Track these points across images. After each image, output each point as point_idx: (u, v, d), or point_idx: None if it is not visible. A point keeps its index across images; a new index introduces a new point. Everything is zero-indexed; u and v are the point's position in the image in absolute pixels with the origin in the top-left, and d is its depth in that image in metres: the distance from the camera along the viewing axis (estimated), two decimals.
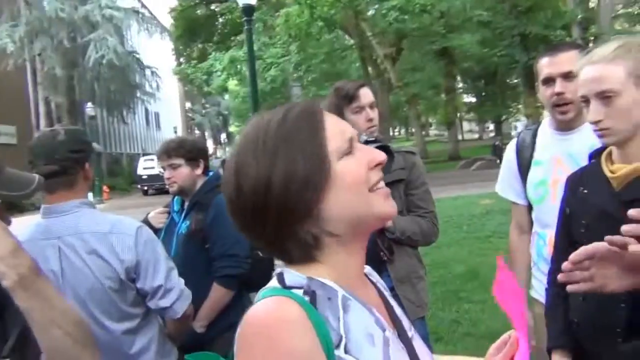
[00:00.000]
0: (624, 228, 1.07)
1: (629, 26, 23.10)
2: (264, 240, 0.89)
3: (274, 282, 0.87)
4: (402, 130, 75.96)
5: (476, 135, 57.65)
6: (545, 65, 2.11)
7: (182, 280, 2.06)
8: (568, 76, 2.04)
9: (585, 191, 1.61)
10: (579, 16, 20.81)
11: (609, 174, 1.52)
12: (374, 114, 2.43)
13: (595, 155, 1.66)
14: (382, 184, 0.91)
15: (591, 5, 22.67)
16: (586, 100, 1.51)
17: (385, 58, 26.22)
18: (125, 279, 1.91)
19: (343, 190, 0.86)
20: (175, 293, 2.00)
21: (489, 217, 9.91)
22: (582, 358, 1.57)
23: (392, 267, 2.38)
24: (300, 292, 0.84)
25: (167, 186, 2.73)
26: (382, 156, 0.91)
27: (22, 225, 1.88)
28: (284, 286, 0.85)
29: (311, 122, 0.88)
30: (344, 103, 2.42)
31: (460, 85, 44.43)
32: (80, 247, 1.87)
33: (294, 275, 0.87)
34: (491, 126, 51.29)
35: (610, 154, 1.58)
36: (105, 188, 24.74)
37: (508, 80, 39.91)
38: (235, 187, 0.87)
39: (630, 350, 1.38)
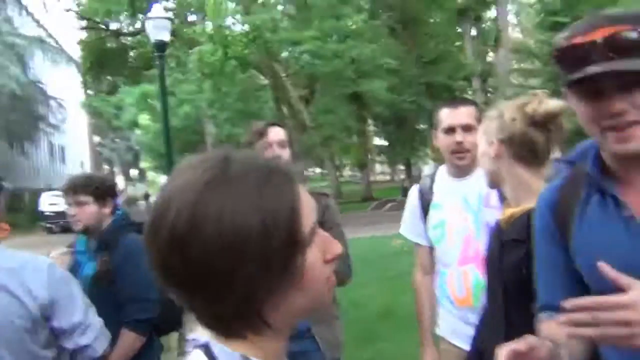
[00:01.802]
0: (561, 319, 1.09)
1: (524, 80, 25.04)
2: (208, 313, 0.76)
3: (200, 358, 0.75)
4: (317, 170, 77.07)
5: (388, 177, 59.53)
6: (447, 116, 2.28)
7: (100, 319, 1.96)
8: (467, 128, 2.23)
9: (492, 233, 1.79)
10: (479, 69, 22.33)
11: (499, 217, 1.72)
12: (282, 152, 2.44)
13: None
14: (332, 277, 0.81)
15: (489, 59, 24.42)
16: None
17: (299, 99, 26.71)
18: (39, 318, 1.77)
19: (302, 289, 0.75)
20: (95, 329, 1.90)
21: (402, 256, 10.10)
22: None
23: None
24: None
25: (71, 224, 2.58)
26: (339, 248, 0.81)
27: None
28: None
29: (292, 201, 0.74)
30: (254, 139, 2.46)
31: (372, 128, 45.94)
32: None
33: (225, 352, 0.75)
34: (402, 168, 53.19)
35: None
36: (3, 225, 22.95)
37: (416, 126, 41.83)
38: (187, 236, 0.70)
39: None
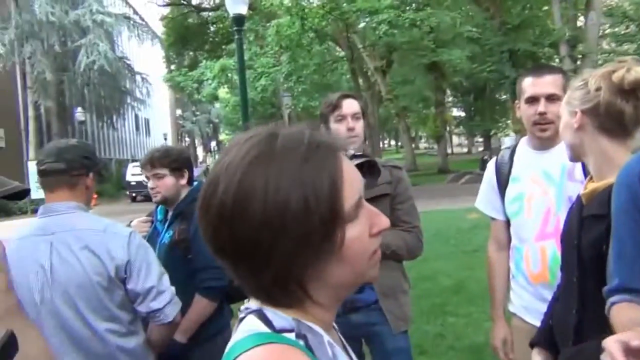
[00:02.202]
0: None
1: (616, 45, 23.45)
2: (253, 282, 0.78)
3: (255, 324, 0.77)
4: (392, 143, 76.32)
5: (465, 149, 58.04)
6: (530, 85, 2.16)
7: (173, 287, 2.06)
8: (551, 98, 2.11)
9: (573, 206, 1.71)
10: (567, 34, 21.06)
11: (581, 192, 1.62)
12: (356, 124, 2.43)
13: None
14: (378, 251, 0.82)
15: (579, 24, 22.98)
16: None
17: (376, 70, 26.40)
18: (114, 277, 1.92)
19: (344, 263, 0.77)
20: (167, 296, 2.01)
21: (476, 231, 9.93)
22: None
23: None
24: (292, 336, 0.76)
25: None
26: (386, 223, 0.82)
27: (20, 225, 2.00)
28: (275, 330, 0.76)
29: (334, 175, 0.75)
30: (328, 111, 2.45)
31: (450, 99, 44.76)
32: (74, 242, 1.90)
33: (279, 316, 0.78)
34: (480, 140, 51.64)
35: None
36: (93, 195, 24.54)
37: (497, 96, 40.28)
38: (235, 209, 0.73)
39: (565, 353, 1.49)
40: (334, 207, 0.74)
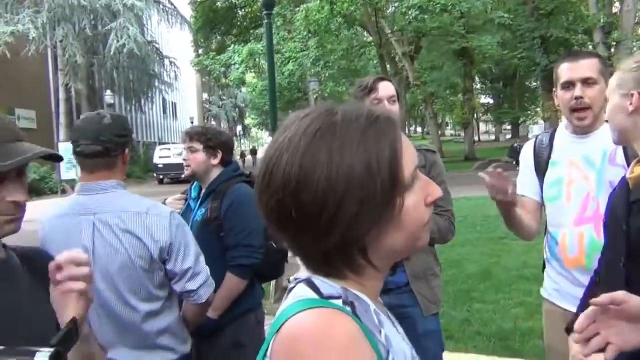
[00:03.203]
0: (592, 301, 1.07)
1: None
2: (315, 249, 0.80)
3: (305, 291, 0.81)
4: (418, 130, 75.73)
5: (492, 137, 57.28)
6: (566, 70, 2.13)
7: (208, 268, 2.09)
8: (588, 82, 2.08)
9: (616, 191, 1.68)
10: (602, 21, 20.54)
11: (628, 175, 1.58)
12: (393, 107, 2.41)
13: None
14: (430, 219, 0.85)
15: (614, 10, 22.38)
16: None
17: (404, 56, 26.14)
18: (157, 259, 1.95)
19: (401, 229, 0.80)
20: (202, 277, 2.05)
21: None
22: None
23: (408, 263, 2.38)
24: (339, 302, 0.79)
25: (184, 175, 2.77)
26: (439, 192, 0.85)
27: (56, 203, 1.99)
28: (322, 297, 0.79)
29: (393, 144, 0.80)
30: (363, 94, 2.42)
31: (479, 86, 44.14)
32: (116, 224, 1.92)
33: (327, 284, 0.81)
34: (508, 128, 50.92)
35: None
36: None
37: (527, 83, 39.57)
38: (300, 177, 0.77)
39: None
40: (395, 173, 0.78)
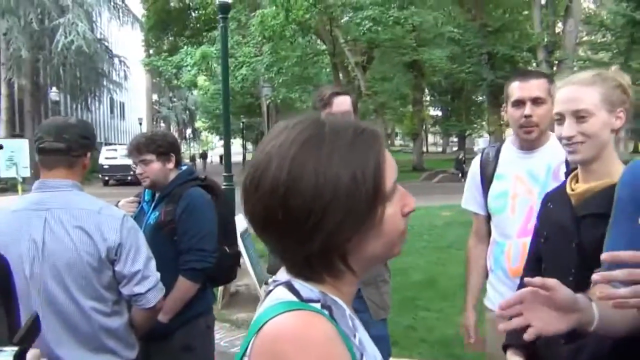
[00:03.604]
0: (594, 277, 1.09)
1: (592, 53, 23.92)
2: (298, 254, 0.84)
3: (285, 294, 0.84)
4: None
5: (440, 149, 58.59)
6: (517, 89, 2.24)
7: (158, 273, 2.08)
8: (537, 101, 2.20)
9: (551, 206, 1.74)
10: (545, 40, 21.43)
11: (570, 192, 1.64)
12: None
13: (567, 175, 1.79)
14: (406, 229, 0.90)
15: (557, 30, 23.38)
16: (561, 117, 1.61)
17: (356, 66, 26.45)
18: (104, 258, 1.94)
19: (380, 237, 0.85)
20: (151, 281, 2.03)
21: (449, 228, 10.12)
22: (535, 358, 1.67)
23: None
24: (318, 306, 0.82)
25: (129, 177, 2.74)
26: (414, 203, 0.90)
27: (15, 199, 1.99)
28: (302, 300, 0.82)
29: (378, 156, 0.84)
30: (320, 106, 2.48)
31: (428, 98, 45.11)
32: (67, 220, 1.92)
33: (307, 288, 0.85)
34: (455, 140, 52.20)
35: (576, 174, 1.69)
36: None
37: (474, 97, 40.72)
38: (288, 183, 0.80)
39: (565, 354, 1.46)
40: (378, 184, 0.83)
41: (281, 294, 0.84)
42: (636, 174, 1.31)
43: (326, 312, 0.81)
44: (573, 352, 1.40)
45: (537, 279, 1.14)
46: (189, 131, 66.77)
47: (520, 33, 28.46)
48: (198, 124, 64.25)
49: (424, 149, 41.50)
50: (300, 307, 0.80)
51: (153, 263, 2.07)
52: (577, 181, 1.66)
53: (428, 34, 25.30)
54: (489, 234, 2.46)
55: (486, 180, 2.42)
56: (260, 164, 0.83)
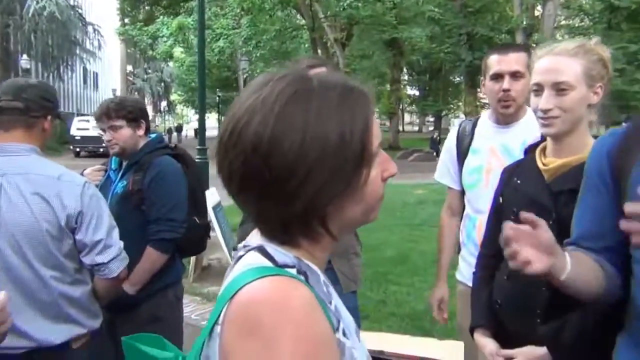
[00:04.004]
0: (623, 225, 1.04)
1: (569, 37, 24.13)
2: (278, 214, 0.79)
3: (258, 259, 0.80)
4: None
5: (416, 128, 58.85)
6: (496, 62, 2.21)
7: (122, 242, 2.03)
8: (515, 75, 2.17)
9: (519, 181, 1.71)
10: (524, 22, 21.53)
11: (542, 167, 1.63)
12: None
13: (529, 150, 1.77)
14: (383, 195, 0.86)
15: (537, 13, 23.51)
16: (539, 88, 1.58)
17: (336, 42, 26.26)
18: (64, 226, 1.87)
19: (361, 201, 0.81)
20: (114, 251, 1.98)
21: (422, 206, 10.23)
22: (503, 338, 1.67)
23: None
24: (294, 271, 0.79)
25: (102, 149, 2.67)
26: (395, 169, 0.87)
27: None
28: (277, 265, 0.79)
29: (367, 116, 0.80)
30: None
31: (406, 77, 45.14)
32: (25, 187, 1.84)
33: (281, 253, 0.81)
34: (431, 120, 52.46)
35: (544, 148, 1.68)
36: None
37: (451, 78, 40.87)
38: (273, 140, 0.75)
39: (547, 332, 1.45)
40: (365, 144, 0.79)
41: (254, 259, 0.80)
42: (601, 149, 1.31)
43: (302, 278, 0.78)
44: (554, 330, 1.40)
45: (530, 215, 1.13)
46: (164, 104, 65.79)
47: (499, 15, 28.54)
48: (173, 96, 63.27)
49: (401, 128, 41.64)
50: (276, 273, 0.76)
51: (116, 232, 2.01)
52: (545, 156, 1.65)
53: (408, 12, 25.18)
54: (463, 208, 2.47)
55: (462, 154, 2.41)
56: (242, 117, 0.77)
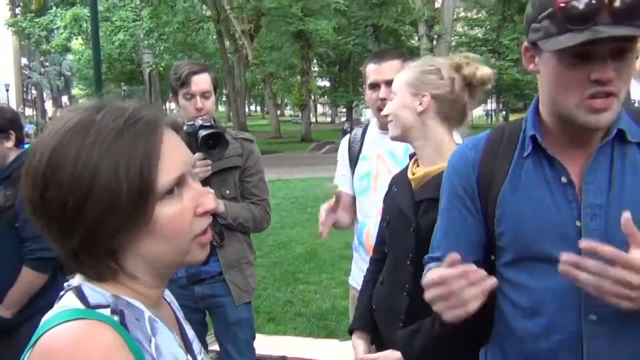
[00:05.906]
0: (562, 268, 1.03)
1: (468, 29, 25.31)
2: (64, 247, 0.79)
3: (72, 300, 0.78)
4: (258, 109, 76.15)
5: (329, 119, 59.55)
6: (372, 72, 2.26)
7: None
8: (390, 83, 2.18)
9: (395, 190, 1.76)
10: (425, 14, 22.25)
11: (410, 176, 1.68)
12: (205, 103, 2.38)
13: (412, 156, 1.80)
14: (207, 231, 0.84)
15: (437, 5, 24.37)
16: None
17: (243, 34, 25.96)
18: None
19: (159, 240, 0.79)
20: None
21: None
22: (377, 341, 1.72)
23: (221, 252, 2.42)
24: (107, 311, 0.76)
25: None
26: (212, 204, 0.83)
27: None
28: (89, 306, 0.77)
29: (149, 149, 0.77)
30: (177, 85, 2.39)
31: (316, 68, 45.50)
32: None
33: (96, 291, 0.79)
34: (343, 111, 53.28)
35: (417, 158, 1.72)
36: None
37: (360, 69, 41.59)
38: (47, 179, 0.75)
39: (401, 336, 1.48)
40: (145, 180, 0.76)
41: (67, 301, 0.78)
42: (466, 163, 1.31)
43: (115, 319, 0.76)
44: (408, 335, 1.43)
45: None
46: (64, 99, 62.36)
47: (402, 7, 29.33)
48: (75, 91, 60.11)
49: (313, 120, 41.99)
50: (82, 316, 0.74)
51: None
52: (418, 165, 1.69)
53: (315, 4, 25.33)
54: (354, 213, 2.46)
55: (352, 161, 2.43)
56: (31, 152, 0.79)
